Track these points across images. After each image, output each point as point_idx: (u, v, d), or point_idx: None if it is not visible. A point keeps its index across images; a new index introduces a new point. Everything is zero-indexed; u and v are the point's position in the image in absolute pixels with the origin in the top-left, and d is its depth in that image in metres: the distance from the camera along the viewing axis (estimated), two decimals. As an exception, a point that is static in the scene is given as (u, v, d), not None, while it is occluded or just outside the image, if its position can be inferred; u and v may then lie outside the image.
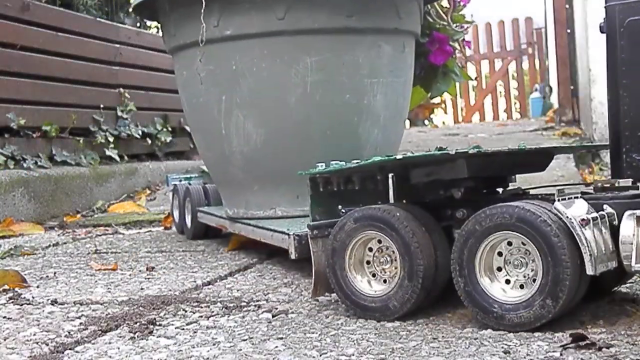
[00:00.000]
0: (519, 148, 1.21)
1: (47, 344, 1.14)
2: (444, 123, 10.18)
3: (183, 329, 1.19)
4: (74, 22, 3.64)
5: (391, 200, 1.27)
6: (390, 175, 1.26)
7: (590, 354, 0.95)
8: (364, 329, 1.13)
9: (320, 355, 1.01)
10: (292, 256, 1.28)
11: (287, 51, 1.70)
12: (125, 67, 4.01)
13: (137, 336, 1.15)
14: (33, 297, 1.49)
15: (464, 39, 2.14)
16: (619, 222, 1.04)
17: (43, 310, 1.38)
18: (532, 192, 1.29)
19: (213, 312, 1.29)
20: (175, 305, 1.36)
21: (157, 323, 1.23)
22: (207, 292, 1.47)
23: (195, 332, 1.16)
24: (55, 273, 1.78)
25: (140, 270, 1.76)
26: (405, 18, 1.79)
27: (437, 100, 9.87)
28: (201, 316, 1.27)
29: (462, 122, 10.11)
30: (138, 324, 1.22)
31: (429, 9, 2.05)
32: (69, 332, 1.20)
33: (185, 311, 1.31)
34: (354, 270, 1.20)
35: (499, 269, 1.08)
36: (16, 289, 1.58)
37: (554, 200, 1.07)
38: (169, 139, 4.23)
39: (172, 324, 1.22)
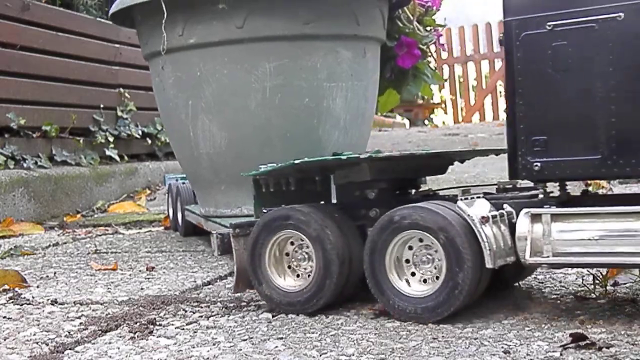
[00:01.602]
0: (418, 152, 1.29)
1: (47, 344, 1.14)
2: (444, 123, 10.18)
3: (183, 329, 1.19)
4: (74, 22, 3.64)
5: (333, 200, 1.35)
6: (332, 176, 1.34)
7: (590, 354, 0.95)
8: (364, 329, 1.13)
9: (320, 355, 1.01)
10: (215, 253, 1.32)
11: (247, 58, 1.78)
12: (125, 67, 4.01)
13: (137, 336, 1.15)
14: (33, 297, 1.49)
15: (436, 42, 2.18)
16: (517, 219, 1.13)
17: (43, 310, 1.38)
18: (441, 193, 1.36)
19: (213, 312, 1.29)
20: (175, 305, 1.36)
21: (157, 323, 1.23)
22: (207, 292, 1.47)
23: (195, 332, 1.16)
24: (55, 273, 1.78)
25: (140, 270, 1.77)
26: (364, 25, 1.86)
27: (437, 100, 9.89)
28: (201, 316, 1.27)
29: (462, 122, 10.12)
30: (138, 324, 1.22)
31: (399, 14, 2.11)
32: (69, 332, 1.20)
33: (185, 311, 1.31)
34: (273, 267, 1.26)
35: (407, 265, 1.17)
36: (16, 289, 1.58)
37: (457, 201, 1.16)
38: (168, 139, 4.23)
39: (172, 324, 1.22)
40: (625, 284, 1.32)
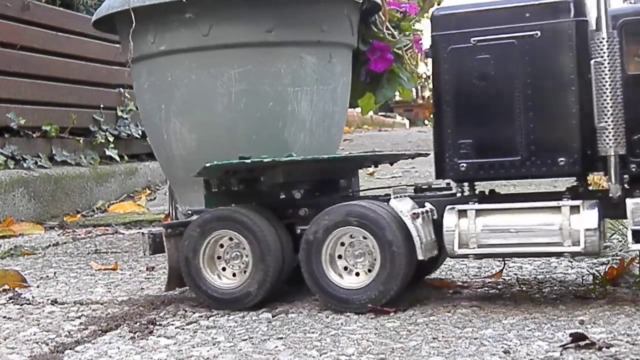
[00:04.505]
0: (325, 156, 1.36)
1: (47, 344, 1.14)
2: (444, 123, 10.15)
3: (183, 329, 1.19)
4: (74, 22, 3.64)
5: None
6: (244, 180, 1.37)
7: (590, 354, 0.95)
8: (364, 329, 1.13)
9: (320, 355, 1.01)
10: (145, 253, 1.33)
11: (213, 64, 1.85)
12: (125, 67, 4.00)
13: (137, 336, 1.15)
14: (33, 297, 1.49)
15: (410, 47, 2.21)
16: (439, 216, 1.24)
17: (43, 310, 1.38)
18: (362, 193, 1.47)
19: (213, 312, 1.29)
20: (175, 305, 1.36)
21: (157, 323, 1.23)
22: (207, 292, 1.47)
23: (195, 332, 1.16)
24: (55, 273, 1.78)
25: (140, 270, 1.76)
26: (329, 31, 1.91)
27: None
28: (201, 316, 1.27)
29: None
30: (138, 323, 1.22)
31: (375, 20, 2.15)
32: (69, 332, 1.20)
33: (185, 311, 1.31)
34: (207, 266, 1.31)
35: (340, 259, 1.25)
36: (16, 289, 1.58)
37: (389, 199, 1.25)
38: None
39: (172, 324, 1.22)
40: (625, 284, 1.32)
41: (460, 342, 1.04)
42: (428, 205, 1.26)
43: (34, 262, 1.97)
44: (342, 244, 1.25)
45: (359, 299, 1.22)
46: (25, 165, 3.07)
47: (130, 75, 2.07)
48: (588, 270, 1.46)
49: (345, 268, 1.25)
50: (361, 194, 1.48)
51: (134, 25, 1.83)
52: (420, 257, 1.20)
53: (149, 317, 1.27)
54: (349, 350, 1.02)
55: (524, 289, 1.34)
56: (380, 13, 2.12)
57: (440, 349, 1.01)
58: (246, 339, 1.11)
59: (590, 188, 1.24)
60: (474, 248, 1.19)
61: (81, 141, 3.51)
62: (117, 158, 3.71)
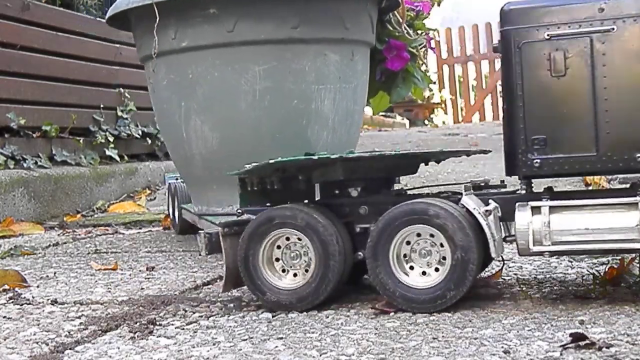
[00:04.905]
0: (388, 153, 1.32)
1: (47, 344, 1.14)
2: (444, 123, 10.17)
3: (183, 329, 1.19)
4: (74, 22, 3.64)
5: (317, 198, 1.36)
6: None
7: (590, 354, 0.95)
8: (364, 329, 1.13)
9: (320, 355, 1.01)
10: (202, 253, 1.32)
11: (237, 61, 1.82)
12: (125, 67, 4.00)
13: (137, 336, 1.15)
14: (33, 297, 1.49)
15: (424, 46, 2.21)
16: (504, 213, 1.23)
17: (43, 310, 1.38)
18: (410, 192, 1.43)
19: (213, 312, 1.29)
20: (175, 305, 1.36)
21: (157, 323, 1.23)
22: (207, 292, 1.47)
23: (195, 332, 1.16)
24: (55, 273, 1.78)
25: (140, 270, 1.77)
26: (352, 28, 1.90)
27: (437, 100, 9.89)
28: (201, 316, 1.27)
29: (462, 122, 10.11)
30: (138, 323, 1.22)
31: (389, 18, 2.14)
32: (69, 332, 1.20)
33: (185, 311, 1.31)
34: (267, 266, 1.28)
35: (405, 258, 1.23)
36: (16, 288, 1.58)
37: (450, 197, 1.26)
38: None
39: (172, 324, 1.22)
40: (625, 284, 1.32)
41: (460, 342, 1.04)
42: (492, 203, 1.23)
43: (34, 262, 1.97)
44: (408, 243, 1.23)
45: (428, 299, 1.20)
46: (25, 165, 3.07)
47: (147, 72, 2.03)
48: (588, 270, 1.46)
49: (412, 267, 1.23)
50: (407, 192, 1.44)
51: (157, 20, 1.80)
52: (493, 255, 1.20)
53: (149, 317, 1.27)
54: (349, 350, 1.02)
55: (524, 289, 1.34)
56: (398, 11, 2.11)
57: (440, 349, 1.01)
58: (246, 339, 1.11)
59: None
60: (548, 245, 1.18)
61: (81, 141, 3.51)
62: (117, 158, 3.70)
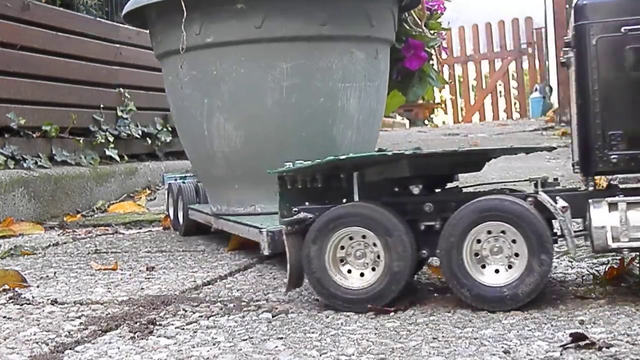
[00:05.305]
0: (459, 149, 1.30)
1: (47, 344, 1.14)
2: (444, 123, 10.17)
3: (183, 329, 1.19)
4: (74, 22, 3.64)
5: (355, 197, 1.33)
6: (355, 174, 1.33)
7: (590, 354, 0.95)
8: (364, 329, 1.13)
9: (320, 355, 1.01)
10: (265, 252, 1.31)
11: (264, 57, 1.79)
12: (125, 67, 4.01)
13: (137, 336, 1.15)
14: (33, 297, 1.49)
15: (440, 45, 2.21)
16: (575, 210, 1.21)
17: (43, 310, 1.38)
18: (465, 190, 1.40)
19: (213, 312, 1.29)
20: (175, 305, 1.36)
21: (157, 323, 1.23)
22: (207, 292, 1.47)
23: (195, 332, 1.16)
24: (55, 273, 1.78)
25: (140, 270, 1.77)
26: (377, 26, 1.88)
27: (437, 100, 9.89)
28: (201, 316, 1.27)
29: (462, 122, 10.11)
30: (138, 323, 1.22)
31: (405, 17, 2.13)
32: (69, 332, 1.20)
33: (185, 311, 1.31)
34: (332, 265, 1.26)
35: (477, 256, 1.21)
36: (16, 288, 1.58)
37: (522, 194, 1.24)
38: (169, 139, 4.23)
39: (172, 324, 1.22)
40: (625, 284, 1.32)
41: (460, 342, 1.04)
42: (561, 200, 1.22)
43: (34, 262, 1.97)
44: (479, 241, 1.21)
45: (505, 297, 1.18)
46: (25, 165, 3.07)
47: (166, 69, 1.98)
48: (588, 270, 1.46)
49: (483, 266, 1.21)
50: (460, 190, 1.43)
51: (185, 14, 1.77)
52: (571, 253, 1.20)
53: (149, 317, 1.27)
54: (349, 350, 1.02)
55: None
56: (416, 10, 2.10)
57: (440, 349, 1.01)
58: (246, 339, 1.11)
59: None
60: (626, 242, 1.17)
61: (81, 141, 3.51)
62: (117, 158, 3.71)
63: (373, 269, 1.25)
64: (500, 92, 10.45)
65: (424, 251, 1.26)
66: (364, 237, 1.25)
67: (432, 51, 2.18)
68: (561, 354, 0.96)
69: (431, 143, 5.02)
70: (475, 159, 1.44)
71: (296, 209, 1.30)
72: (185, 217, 2.31)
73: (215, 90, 1.83)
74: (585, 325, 1.08)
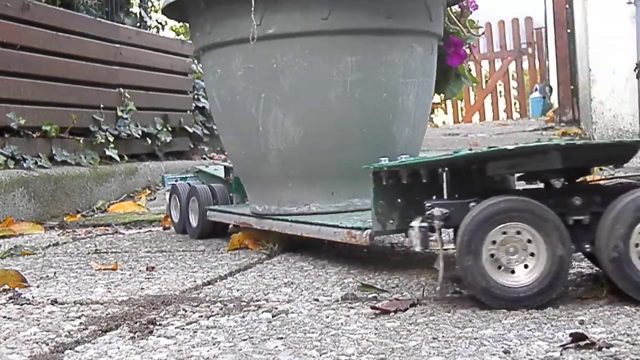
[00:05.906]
0: (609, 141, 1.28)
1: (47, 344, 1.14)
2: (444, 123, 10.17)
3: (183, 329, 1.19)
4: (74, 22, 3.64)
5: (444, 195, 1.32)
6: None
7: (590, 354, 0.95)
8: (364, 329, 1.13)
9: (320, 355, 1.01)
10: (416, 248, 1.26)
11: (329, 50, 1.74)
12: (125, 67, 4.01)
13: (137, 336, 1.15)
14: (33, 297, 1.49)
15: (471, 43, 2.20)
16: None
17: (43, 310, 1.38)
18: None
19: (213, 312, 1.29)
20: (175, 305, 1.36)
21: (157, 323, 1.23)
22: (207, 292, 1.47)
23: (195, 332, 1.16)
24: (55, 273, 1.78)
25: (140, 270, 1.77)
26: (434, 20, 1.86)
27: (437, 100, 9.90)
28: (201, 316, 1.27)
29: (462, 122, 10.11)
30: (138, 323, 1.22)
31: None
32: (69, 332, 1.20)
33: (185, 311, 1.31)
34: (489, 261, 1.20)
35: (638, 248, 1.16)
36: (16, 288, 1.58)
37: None
38: (169, 139, 4.24)
39: (172, 324, 1.22)
40: None
41: (460, 342, 1.04)
42: None
43: (34, 262, 1.97)
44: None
45: None
46: (25, 165, 3.08)
47: (210, 63, 1.90)
48: (588, 270, 1.46)
49: None
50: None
51: (253, 5, 1.70)
52: None
53: (149, 317, 1.27)
54: (349, 350, 1.02)
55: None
56: (457, 7, 2.08)
57: (440, 349, 1.01)
58: (246, 339, 1.11)
59: None
60: None
61: (81, 141, 3.51)
62: (117, 158, 3.71)
63: (525, 266, 1.20)
64: (500, 92, 10.45)
65: (587, 245, 1.23)
66: (518, 232, 1.20)
67: (469, 49, 2.16)
68: (561, 354, 0.96)
69: (431, 143, 5.02)
70: (624, 152, 1.35)
71: (429, 204, 1.25)
72: (201, 219, 2.22)
73: (274, 84, 1.76)
74: (585, 325, 1.08)
